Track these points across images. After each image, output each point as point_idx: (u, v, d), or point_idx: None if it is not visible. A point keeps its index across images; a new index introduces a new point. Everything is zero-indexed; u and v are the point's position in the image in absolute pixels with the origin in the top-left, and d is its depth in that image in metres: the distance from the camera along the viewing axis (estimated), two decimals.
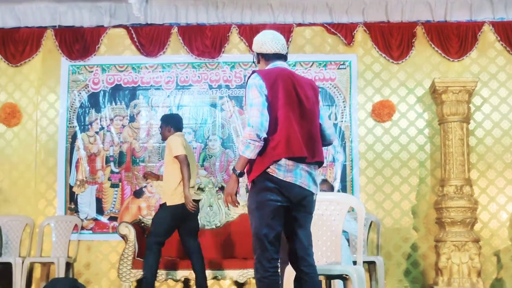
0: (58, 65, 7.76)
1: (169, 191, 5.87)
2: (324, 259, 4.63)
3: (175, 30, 7.71)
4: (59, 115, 7.67)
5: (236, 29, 7.68)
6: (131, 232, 6.49)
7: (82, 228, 7.38)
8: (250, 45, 7.61)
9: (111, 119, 7.65)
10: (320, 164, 3.73)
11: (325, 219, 4.65)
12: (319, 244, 4.64)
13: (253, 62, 3.89)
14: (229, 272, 6.42)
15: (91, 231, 7.44)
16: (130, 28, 7.72)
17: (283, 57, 3.79)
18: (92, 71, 7.74)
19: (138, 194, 7.53)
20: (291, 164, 3.55)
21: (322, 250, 4.64)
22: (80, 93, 7.69)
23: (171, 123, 6.16)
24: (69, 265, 7.10)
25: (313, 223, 4.39)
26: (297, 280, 3.73)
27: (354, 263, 5.14)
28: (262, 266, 3.55)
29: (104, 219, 7.48)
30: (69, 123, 7.65)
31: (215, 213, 7.22)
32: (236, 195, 3.63)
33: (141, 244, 6.54)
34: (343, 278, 4.64)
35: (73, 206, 7.49)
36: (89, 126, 7.64)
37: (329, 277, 5.70)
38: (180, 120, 6.32)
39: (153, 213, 7.32)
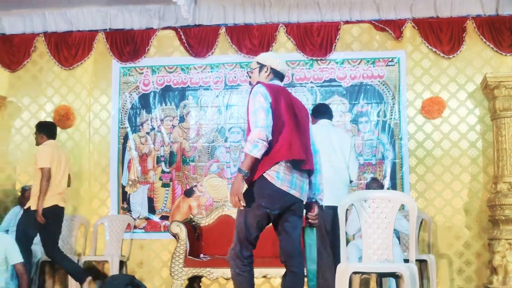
0: (109, 68, 7.92)
1: (34, 196, 6.34)
2: (376, 257, 4.61)
3: (223, 30, 7.77)
4: (111, 117, 7.83)
5: (284, 28, 7.69)
6: (182, 231, 6.57)
7: (135, 227, 7.52)
8: (297, 43, 7.65)
9: (162, 120, 7.76)
10: (310, 173, 4.04)
11: (376, 217, 4.63)
12: (369, 242, 4.63)
13: (250, 69, 4.20)
14: (280, 271, 6.43)
15: (143, 230, 7.57)
16: (179, 29, 7.82)
17: (283, 78, 4.19)
18: (142, 73, 7.87)
19: (188, 193, 7.62)
20: (288, 173, 3.83)
21: (373, 248, 4.62)
22: (131, 95, 7.83)
23: (43, 130, 6.64)
24: (122, 264, 7.23)
25: (364, 220, 4.41)
26: (284, 276, 4.02)
27: (405, 261, 5.11)
28: (241, 261, 3.89)
29: (155, 218, 7.60)
30: (120, 124, 7.80)
31: None
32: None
33: (192, 243, 6.63)
34: (395, 276, 4.61)
35: (125, 206, 7.64)
36: (140, 127, 7.78)
37: (381, 275, 5.68)
38: (53, 127, 6.81)
39: (204, 212, 7.44)
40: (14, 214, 7.22)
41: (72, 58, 7.95)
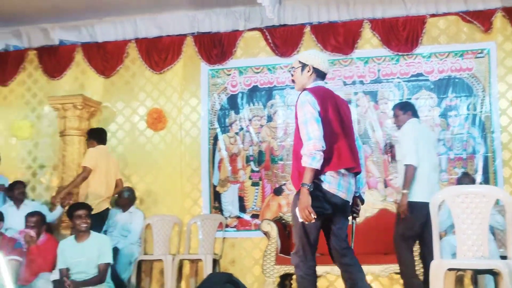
0: (198, 70, 8.12)
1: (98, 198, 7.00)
2: (471, 253, 4.53)
3: (307, 29, 7.82)
4: (201, 118, 8.03)
5: (369, 24, 7.66)
6: (273, 229, 6.67)
7: (226, 226, 7.68)
8: (382, 39, 7.59)
9: (250, 120, 7.90)
10: (357, 174, 4.11)
11: (470, 212, 4.55)
12: (463, 238, 4.56)
13: (293, 68, 4.21)
14: (371, 268, 6.42)
15: (235, 229, 7.72)
16: (264, 30, 7.94)
17: (325, 77, 4.19)
18: (230, 74, 8.04)
19: (278, 191, 7.71)
20: (336, 176, 3.91)
21: (468, 244, 4.54)
22: (219, 96, 8.01)
23: (93, 136, 7.35)
24: (215, 262, 7.39)
25: (457, 216, 4.35)
26: (344, 277, 4.10)
27: (501, 258, 4.99)
28: (305, 265, 3.97)
29: (246, 216, 7.75)
30: (210, 125, 7.99)
31: None
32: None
33: (283, 241, 6.71)
34: (493, 273, 4.52)
35: (217, 205, 7.82)
36: (229, 127, 7.95)
37: (477, 272, 5.58)
38: (103, 133, 7.47)
39: None
40: (112, 215, 7.54)
41: (162, 62, 8.21)
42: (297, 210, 3.81)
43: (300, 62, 4.17)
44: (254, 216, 7.68)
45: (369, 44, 7.72)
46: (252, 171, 7.81)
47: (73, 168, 7.72)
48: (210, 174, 7.89)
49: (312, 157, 3.77)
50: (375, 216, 7.14)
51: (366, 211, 7.14)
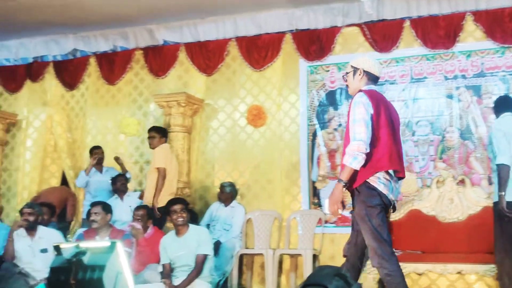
0: (297, 67, 8.19)
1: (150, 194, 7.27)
2: None
3: (407, 23, 7.70)
4: (300, 114, 8.10)
5: (471, 17, 7.44)
6: None
7: (326, 221, 7.71)
8: (487, 31, 7.34)
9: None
10: (401, 179, 4.29)
11: None
12: None
13: (347, 73, 4.45)
14: (475, 267, 6.28)
15: (334, 225, 7.74)
16: (363, 25, 7.89)
17: (377, 81, 4.38)
18: (328, 70, 8.06)
19: None
20: (387, 178, 4.07)
21: None
22: (318, 92, 8.06)
23: (160, 134, 7.62)
24: (315, 257, 7.47)
25: None
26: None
27: None
28: (387, 261, 4.00)
29: (345, 212, 7.70)
30: (309, 122, 8.04)
31: (456, 206, 7.08)
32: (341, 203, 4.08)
33: None
34: None
35: (316, 201, 7.87)
36: (328, 123, 7.97)
37: None
38: (167, 131, 7.84)
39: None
40: (214, 209, 7.78)
41: (262, 60, 8.33)
42: (326, 201, 4.09)
43: (352, 66, 4.39)
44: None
45: (472, 37, 7.50)
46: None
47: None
48: (309, 170, 7.94)
49: (354, 157, 3.95)
50: (478, 214, 6.95)
51: (469, 208, 6.96)
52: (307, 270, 7.13)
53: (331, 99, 7.98)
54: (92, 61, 9.20)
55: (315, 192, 7.89)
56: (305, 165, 7.97)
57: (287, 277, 7.75)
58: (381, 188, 4.05)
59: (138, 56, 9.02)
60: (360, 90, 4.22)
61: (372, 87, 4.30)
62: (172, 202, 6.16)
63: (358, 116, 4.03)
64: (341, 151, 7.68)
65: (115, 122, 9.02)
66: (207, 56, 8.64)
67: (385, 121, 4.10)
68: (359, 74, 4.33)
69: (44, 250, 6.31)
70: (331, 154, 7.90)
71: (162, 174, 7.36)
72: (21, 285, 3.81)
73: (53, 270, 3.26)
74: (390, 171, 4.11)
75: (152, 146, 7.66)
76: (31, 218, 6.35)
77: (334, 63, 8.03)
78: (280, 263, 7.69)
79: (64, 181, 9.10)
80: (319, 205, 7.83)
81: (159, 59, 8.86)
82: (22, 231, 6.34)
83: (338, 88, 7.97)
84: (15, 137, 9.49)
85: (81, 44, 9.21)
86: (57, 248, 3.34)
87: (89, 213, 6.57)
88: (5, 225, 6.68)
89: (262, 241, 7.65)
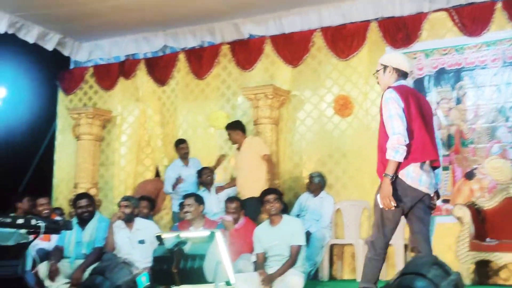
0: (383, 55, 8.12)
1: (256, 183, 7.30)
2: None
3: (498, 5, 7.47)
4: None
5: None
6: (466, 214, 6.55)
7: None
8: None
9: (438, 103, 7.75)
10: (436, 168, 4.41)
11: None
12: None
13: (377, 71, 4.55)
14: None
15: None
16: (451, 10, 7.72)
17: (407, 76, 4.52)
18: (415, 58, 7.93)
19: (469, 176, 7.48)
20: (418, 172, 4.21)
21: None
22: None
23: (240, 128, 7.82)
24: (406, 247, 7.38)
25: None
26: None
27: None
28: (376, 249, 4.27)
29: (437, 202, 7.61)
30: None
31: None
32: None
33: (477, 226, 6.57)
34: None
35: None
36: None
37: None
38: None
39: (487, 195, 7.25)
40: (303, 200, 7.85)
41: (348, 49, 8.30)
42: (378, 197, 4.20)
43: (381, 64, 4.52)
44: (445, 201, 7.52)
45: None
46: (441, 155, 7.64)
47: None
48: None
49: (395, 151, 4.11)
50: None
51: None
52: (398, 260, 7.09)
53: (419, 86, 7.84)
54: (181, 57, 9.46)
55: None
56: None
57: None
58: (409, 182, 4.21)
59: (225, 51, 9.20)
60: (389, 87, 4.37)
61: (402, 82, 4.46)
62: (266, 192, 6.26)
63: (392, 111, 4.21)
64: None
65: (205, 116, 9.24)
66: (292, 47, 8.69)
67: (416, 113, 4.27)
68: (389, 71, 4.46)
69: (141, 241, 6.57)
70: None
71: (271, 160, 7.68)
72: (125, 274, 4.01)
73: (156, 260, 3.42)
74: (424, 163, 4.27)
75: (235, 142, 7.86)
76: (127, 211, 6.62)
77: (421, 50, 7.90)
78: None
79: (157, 175, 9.43)
80: None
81: (246, 52, 9.00)
82: (121, 223, 6.62)
83: (426, 75, 7.84)
84: (111, 133, 9.90)
85: (170, 41, 9.51)
86: (159, 238, 3.51)
87: (182, 205, 6.77)
88: (105, 218, 7.00)
89: (352, 231, 7.65)
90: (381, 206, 4.19)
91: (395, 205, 4.14)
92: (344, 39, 8.32)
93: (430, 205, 4.40)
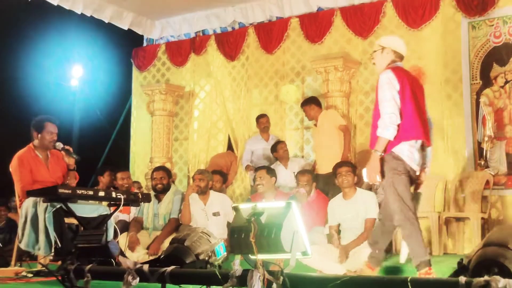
0: (457, 24, 7.91)
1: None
2: None
3: None
4: (462, 74, 7.78)
5: None
6: None
7: (494, 183, 7.37)
8: None
9: None
10: (425, 147, 4.67)
11: None
12: None
13: (374, 51, 4.75)
14: None
15: (503, 187, 7.40)
16: None
17: (403, 59, 4.75)
18: (492, 25, 7.67)
19: None
20: (411, 149, 4.48)
21: None
22: (481, 48, 7.68)
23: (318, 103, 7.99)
24: (484, 221, 7.18)
25: None
26: None
27: None
28: (409, 223, 4.40)
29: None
30: (472, 81, 7.72)
31: None
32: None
33: None
34: None
35: (482, 162, 7.59)
36: (494, 81, 7.61)
37: None
38: None
39: None
40: None
41: (419, 19, 8.10)
42: (364, 171, 4.49)
43: (379, 45, 4.73)
44: None
45: None
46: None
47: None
48: (474, 130, 7.65)
49: (387, 129, 4.36)
50: None
51: None
52: (475, 234, 6.96)
53: (497, 55, 7.59)
54: (251, 31, 9.51)
55: (480, 153, 7.61)
56: (469, 126, 7.68)
57: (453, 241, 7.59)
58: (405, 158, 4.45)
59: (294, 24, 9.17)
60: (387, 68, 4.57)
61: (399, 64, 4.65)
62: (338, 165, 6.27)
63: (386, 92, 4.43)
64: (509, 110, 7.47)
65: (275, 90, 9.27)
66: (362, 19, 8.58)
67: (410, 93, 4.47)
68: (387, 53, 4.66)
69: (216, 214, 6.74)
70: (497, 113, 7.55)
71: (349, 130, 7.83)
72: (205, 243, 4.14)
73: (234, 229, 3.50)
74: (416, 141, 4.51)
75: (311, 118, 7.87)
76: (202, 184, 6.78)
77: (499, 17, 7.60)
78: (446, 226, 7.53)
79: (229, 148, 9.58)
80: (486, 166, 7.53)
81: (315, 25, 8.94)
82: (195, 196, 6.79)
83: (503, 43, 7.56)
84: (183, 108, 10.09)
85: (239, 16, 9.56)
86: (236, 209, 3.58)
87: (254, 178, 6.86)
88: (180, 190, 7.20)
89: (426, 204, 7.52)
90: (366, 180, 4.54)
91: (380, 180, 4.45)
92: (416, 9, 8.13)
93: (416, 181, 4.66)
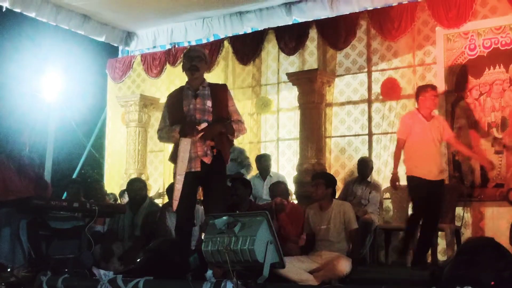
0: (433, 34, 7.97)
1: None
2: None
3: None
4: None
5: None
6: None
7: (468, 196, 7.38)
8: None
9: (490, 84, 7.47)
10: None
11: None
12: None
13: None
14: None
15: (477, 198, 7.39)
16: None
17: None
18: (467, 37, 7.69)
19: None
20: None
21: None
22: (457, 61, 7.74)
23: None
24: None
25: None
26: None
27: None
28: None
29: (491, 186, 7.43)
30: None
31: None
32: None
33: None
34: None
35: (457, 174, 7.56)
36: (468, 93, 7.65)
37: None
38: None
39: None
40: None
41: (395, 31, 8.15)
42: None
43: None
44: (498, 185, 7.29)
45: None
46: (495, 138, 7.42)
47: None
48: None
49: None
50: None
51: None
52: (448, 244, 6.97)
53: (472, 67, 7.61)
54: (226, 43, 9.53)
55: (455, 166, 7.58)
56: None
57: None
58: None
59: (270, 36, 9.18)
60: None
61: None
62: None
63: None
64: (483, 122, 7.47)
65: (251, 101, 9.24)
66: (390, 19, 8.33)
67: None
68: None
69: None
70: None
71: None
72: (179, 253, 4.11)
73: (206, 240, 3.47)
74: None
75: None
76: None
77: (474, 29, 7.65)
78: None
79: None
80: (460, 178, 7.53)
81: (290, 37, 8.96)
82: (171, 208, 6.69)
83: (478, 55, 7.59)
84: (158, 120, 9.82)
85: (215, 28, 9.67)
86: (210, 219, 3.55)
87: (229, 189, 6.80)
88: (155, 202, 7.14)
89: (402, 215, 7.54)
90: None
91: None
92: (392, 21, 8.17)
93: None
